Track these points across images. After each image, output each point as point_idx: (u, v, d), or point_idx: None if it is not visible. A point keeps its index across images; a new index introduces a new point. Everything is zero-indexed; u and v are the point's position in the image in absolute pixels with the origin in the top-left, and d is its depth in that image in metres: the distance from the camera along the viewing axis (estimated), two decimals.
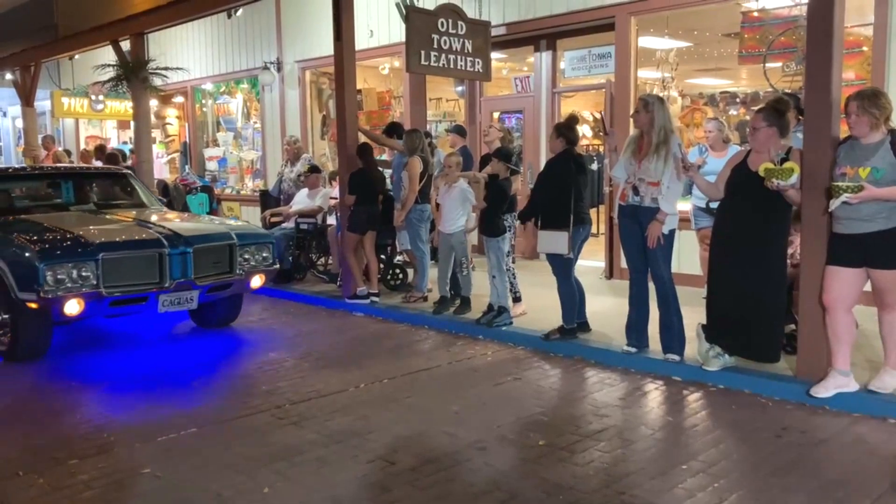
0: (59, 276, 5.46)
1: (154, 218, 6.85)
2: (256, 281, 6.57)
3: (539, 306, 6.82)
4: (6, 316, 5.86)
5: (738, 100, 8.48)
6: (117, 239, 5.96)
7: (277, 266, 6.82)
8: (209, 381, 5.52)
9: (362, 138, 8.21)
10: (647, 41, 8.80)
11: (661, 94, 6.87)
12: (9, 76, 15.49)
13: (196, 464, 3.89)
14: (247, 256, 6.44)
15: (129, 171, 8.32)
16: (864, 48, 7.09)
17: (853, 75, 7.05)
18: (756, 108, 5.49)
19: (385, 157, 9.53)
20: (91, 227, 6.25)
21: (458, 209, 6.98)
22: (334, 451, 4.03)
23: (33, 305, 5.56)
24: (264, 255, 6.58)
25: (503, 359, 5.85)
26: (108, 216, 6.93)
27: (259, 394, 5.05)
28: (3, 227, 6.17)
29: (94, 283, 5.59)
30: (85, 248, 5.67)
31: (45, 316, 5.75)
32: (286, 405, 4.78)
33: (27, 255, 5.55)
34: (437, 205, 7.35)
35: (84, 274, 5.55)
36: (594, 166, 10.17)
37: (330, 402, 4.85)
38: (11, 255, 5.71)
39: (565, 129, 5.97)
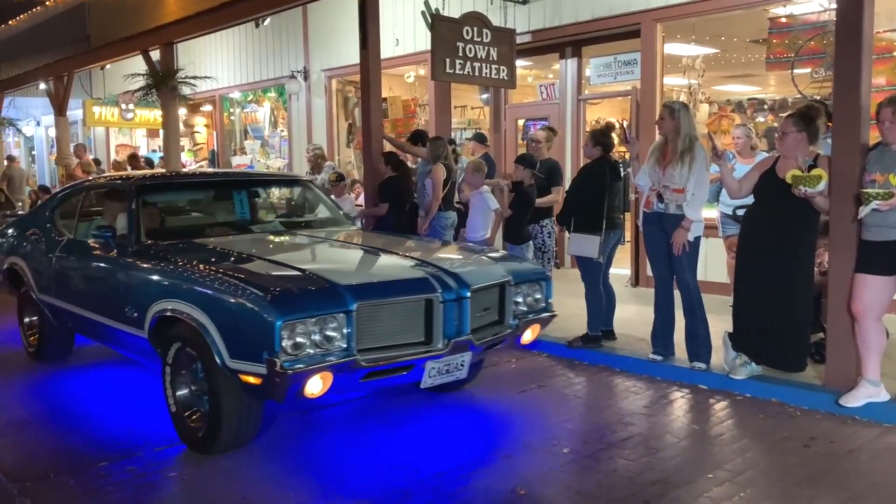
0: (298, 338, 3.59)
1: (382, 243, 5.12)
2: (529, 335, 4.70)
3: (567, 314, 6.79)
4: (204, 397, 4.04)
5: (765, 106, 8.41)
6: (370, 279, 4.20)
7: (555, 313, 4.91)
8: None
9: (388, 146, 8.25)
10: (673, 48, 8.75)
11: (686, 102, 6.84)
12: (42, 86, 15.82)
13: (224, 468, 3.93)
14: (519, 300, 4.63)
15: (308, 179, 6.56)
16: (895, 53, 7.00)
17: (884, 81, 6.96)
18: (785, 114, 5.44)
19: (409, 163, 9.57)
20: (320, 260, 4.79)
21: (479, 216, 6.99)
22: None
23: (252, 381, 3.69)
24: (537, 296, 4.75)
25: (528, 367, 5.84)
26: (314, 239, 5.28)
27: None
28: (186, 258, 4.45)
29: (345, 346, 3.69)
30: (329, 292, 3.77)
31: (262, 397, 3.94)
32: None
33: (250, 303, 3.68)
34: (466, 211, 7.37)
35: (330, 333, 3.67)
36: (622, 173, 10.13)
37: None
38: (218, 303, 3.85)
39: (601, 136, 6.02)
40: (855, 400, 4.51)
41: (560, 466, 3.90)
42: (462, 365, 4.19)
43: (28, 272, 5.98)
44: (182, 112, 13.91)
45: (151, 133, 17.90)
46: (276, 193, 6.61)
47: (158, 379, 4.37)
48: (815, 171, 4.55)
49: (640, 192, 5.71)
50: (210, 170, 8.79)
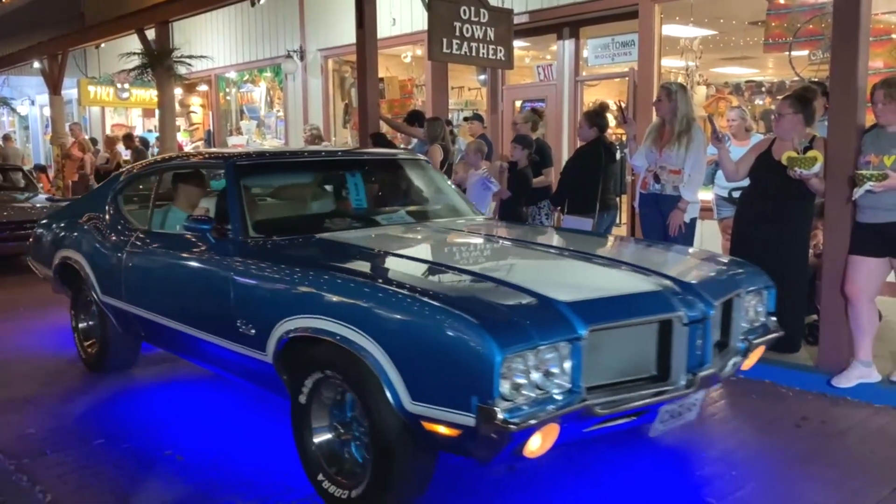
0: (517, 377, 2.61)
1: (550, 240, 4.38)
2: (750, 360, 3.61)
3: None
4: (354, 443, 3.19)
5: (763, 89, 8.39)
6: (594, 293, 2.99)
7: (781, 332, 3.85)
8: None
9: (384, 127, 8.23)
10: (671, 29, 8.72)
11: (684, 83, 6.83)
12: (37, 65, 15.73)
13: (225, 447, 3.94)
14: (746, 313, 3.57)
15: (425, 159, 5.34)
16: (893, 36, 6.98)
17: (881, 63, 6.94)
18: (782, 96, 5.45)
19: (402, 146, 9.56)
20: (502, 264, 3.73)
21: (477, 197, 6.98)
22: None
23: (443, 431, 2.72)
24: (759, 308, 3.68)
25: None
26: (465, 234, 4.23)
27: None
28: (322, 260, 3.51)
29: (569, 386, 2.72)
30: (551, 313, 2.76)
31: (454, 451, 2.91)
32: None
33: (452, 328, 2.66)
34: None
35: (553, 369, 2.69)
36: (617, 155, 10.14)
37: None
38: (394, 325, 2.87)
39: (596, 118, 6.02)
40: (847, 381, 4.54)
41: None
42: (694, 405, 3.21)
43: (88, 269, 4.92)
44: (178, 92, 13.85)
45: (147, 113, 17.83)
46: (398, 177, 5.21)
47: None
48: (810, 153, 4.56)
49: (636, 173, 5.72)
50: (316, 146, 6.85)
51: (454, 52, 7.81)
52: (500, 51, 8.32)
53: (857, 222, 4.50)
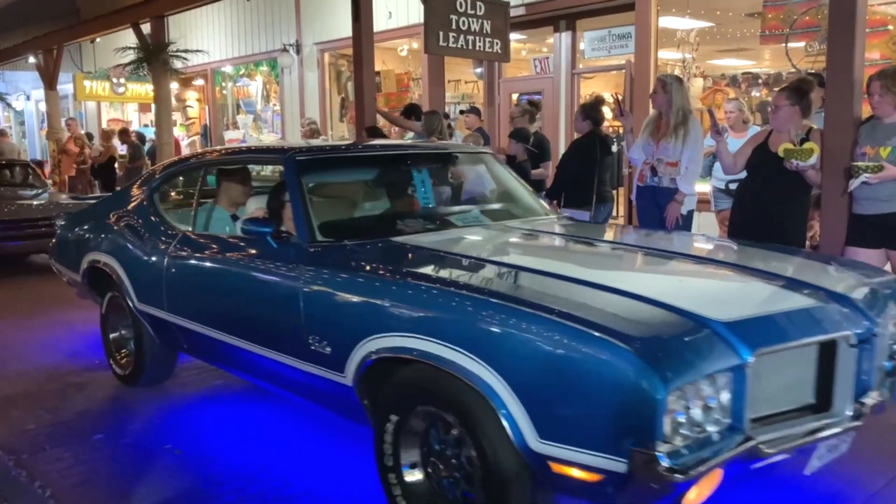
0: (679, 415, 2.21)
1: (682, 246, 3.76)
2: None
3: None
4: (456, 483, 2.70)
5: (760, 81, 8.40)
6: (753, 311, 2.57)
7: None
8: None
9: (381, 120, 8.22)
10: (667, 21, 8.71)
11: (680, 76, 6.84)
12: (32, 60, 15.69)
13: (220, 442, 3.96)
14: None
15: (492, 153, 4.90)
16: (889, 27, 6.98)
17: (878, 55, 6.95)
18: (779, 88, 5.45)
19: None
20: (627, 275, 3.22)
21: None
22: None
23: (580, 476, 2.31)
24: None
25: None
26: (552, 237, 3.85)
27: None
28: (409, 269, 3.11)
29: (729, 422, 2.31)
30: (710, 337, 2.33)
31: (590, 498, 2.45)
32: None
33: (600, 356, 2.22)
34: None
35: (712, 403, 2.27)
36: (614, 148, 10.14)
37: None
38: (517, 349, 2.39)
39: (591, 110, 6.01)
40: None
41: None
42: (850, 435, 2.70)
43: (123, 275, 4.44)
44: (174, 86, 13.83)
45: (143, 107, 17.81)
46: (465, 171, 4.83)
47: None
48: (807, 145, 4.57)
49: (633, 166, 5.72)
50: (377, 140, 6.30)
51: (451, 45, 7.80)
52: (497, 44, 8.31)
53: (854, 214, 4.51)
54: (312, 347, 3.10)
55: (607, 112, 7.16)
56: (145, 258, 4.28)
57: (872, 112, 4.45)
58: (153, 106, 12.40)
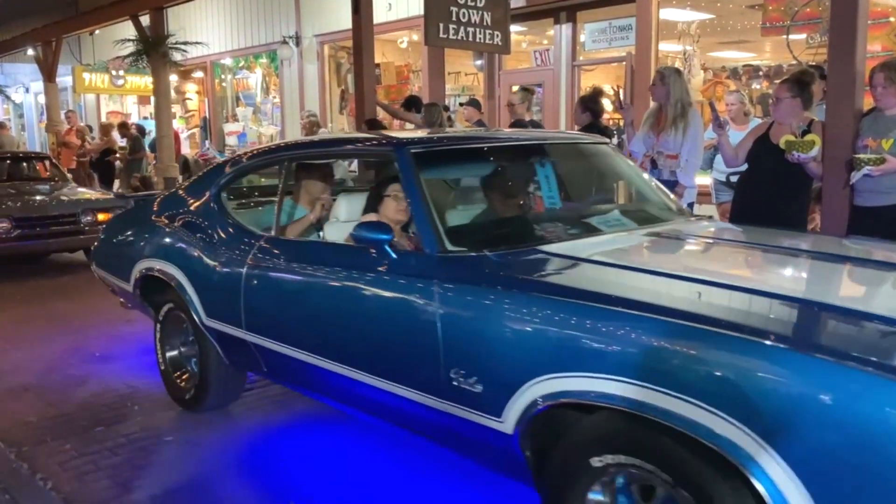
0: None
1: (868, 253, 3.13)
2: None
3: None
4: None
5: (760, 73, 8.38)
6: None
7: None
8: None
9: (380, 113, 8.20)
10: (668, 13, 8.69)
11: (679, 67, 6.82)
12: (31, 52, 15.66)
13: (220, 434, 3.96)
14: None
15: (612, 143, 4.40)
16: (891, 19, 6.96)
17: (879, 47, 6.93)
18: (780, 80, 5.44)
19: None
20: (854, 291, 2.65)
21: None
22: None
23: None
24: None
25: None
26: (726, 245, 3.30)
27: None
28: (592, 287, 2.37)
29: None
30: None
31: None
32: None
33: None
34: None
35: None
36: (614, 140, 10.13)
37: None
38: (791, 413, 1.73)
39: (590, 102, 5.99)
40: None
41: None
42: None
43: (188, 286, 3.84)
44: (173, 79, 13.79)
45: (142, 100, 17.78)
46: (587, 165, 4.04)
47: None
48: (808, 137, 4.56)
49: (634, 159, 5.71)
50: (498, 130, 5.57)
51: (451, 37, 7.78)
52: (497, 35, 8.29)
53: (855, 206, 4.51)
54: (455, 384, 2.50)
55: (607, 104, 7.14)
56: (216, 267, 3.68)
57: (874, 104, 4.44)
58: (152, 98, 12.38)
